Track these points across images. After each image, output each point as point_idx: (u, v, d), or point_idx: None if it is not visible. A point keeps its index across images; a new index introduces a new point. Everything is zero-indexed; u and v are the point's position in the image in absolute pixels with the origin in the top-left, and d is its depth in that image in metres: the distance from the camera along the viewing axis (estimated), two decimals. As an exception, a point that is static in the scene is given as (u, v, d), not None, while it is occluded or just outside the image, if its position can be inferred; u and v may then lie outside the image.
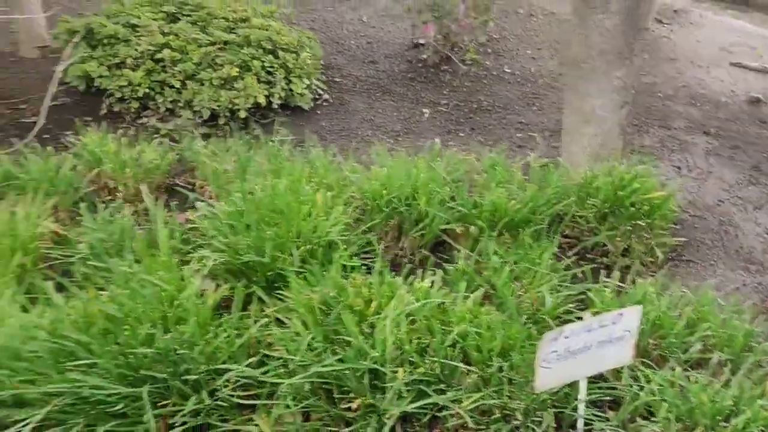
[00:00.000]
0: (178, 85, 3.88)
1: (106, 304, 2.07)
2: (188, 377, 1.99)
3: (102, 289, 2.21)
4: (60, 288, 2.29)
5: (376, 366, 1.99)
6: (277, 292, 2.36)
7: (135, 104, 3.90)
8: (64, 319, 2.05)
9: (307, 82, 4.26)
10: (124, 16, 4.15)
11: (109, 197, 2.96)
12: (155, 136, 3.52)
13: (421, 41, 5.23)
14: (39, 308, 2.14)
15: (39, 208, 2.59)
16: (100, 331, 2.03)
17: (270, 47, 4.15)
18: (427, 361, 2.05)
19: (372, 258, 2.59)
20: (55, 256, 2.50)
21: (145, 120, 3.87)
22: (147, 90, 3.87)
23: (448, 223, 2.85)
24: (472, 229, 2.75)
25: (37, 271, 2.42)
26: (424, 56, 5.06)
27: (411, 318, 2.14)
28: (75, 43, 3.78)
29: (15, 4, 4.35)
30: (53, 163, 2.95)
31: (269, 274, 2.40)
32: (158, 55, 3.91)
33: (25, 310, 2.15)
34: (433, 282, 2.33)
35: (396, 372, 1.98)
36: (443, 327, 2.12)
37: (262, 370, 2.03)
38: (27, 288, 2.29)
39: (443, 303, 2.22)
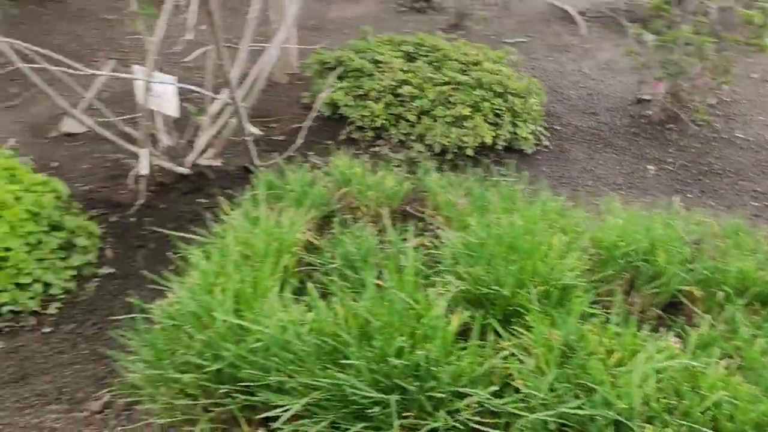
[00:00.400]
0: (413, 119, 4.12)
1: (363, 311, 2.24)
2: (432, 394, 2.08)
3: (353, 299, 2.39)
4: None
5: (620, 418, 1.96)
6: (513, 327, 2.40)
7: (371, 133, 4.19)
8: (324, 320, 2.24)
9: (532, 127, 4.32)
10: (369, 52, 4.51)
11: (352, 216, 3.20)
12: (394, 165, 3.75)
13: (646, 97, 5.11)
14: (299, 306, 2.36)
15: (301, 217, 2.86)
16: (356, 335, 2.19)
17: (500, 91, 4.27)
18: (673, 422, 1.98)
19: (603, 308, 2.56)
20: (309, 262, 2.75)
21: (377, 149, 4.15)
22: (384, 121, 4.15)
23: (685, 284, 2.74)
24: (719, 294, 2.62)
25: (295, 274, 2.67)
26: (649, 112, 4.93)
27: (657, 376, 2.09)
28: (335, 75, 4.15)
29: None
30: (308, 179, 3.25)
31: (508, 308, 2.45)
32: (398, 91, 4.19)
33: (288, 307, 2.38)
34: (683, 342, 2.25)
35: (644, 428, 1.93)
36: (693, 390, 2.04)
37: (502, 401, 2.08)
38: (287, 287, 2.53)
39: (693, 366, 2.14)
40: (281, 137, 4.23)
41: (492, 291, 2.47)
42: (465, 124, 4.08)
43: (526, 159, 4.26)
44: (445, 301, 2.37)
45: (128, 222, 3.36)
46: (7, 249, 2.72)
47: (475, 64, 4.52)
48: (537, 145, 4.41)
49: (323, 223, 3.12)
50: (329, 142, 4.22)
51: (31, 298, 2.74)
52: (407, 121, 4.14)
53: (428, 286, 2.51)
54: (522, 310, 2.42)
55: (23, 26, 5.89)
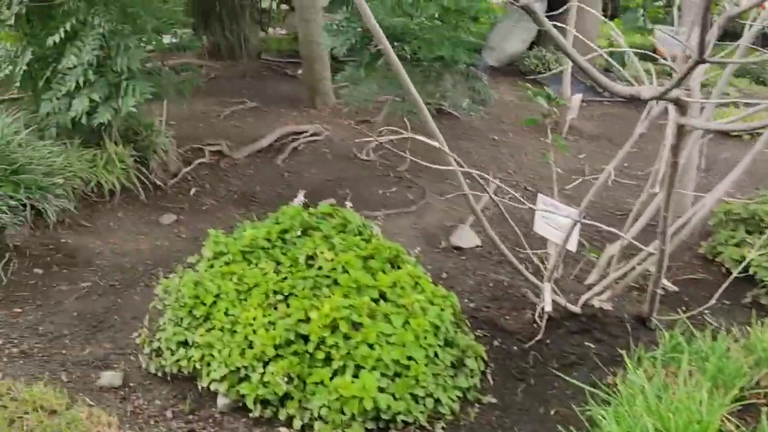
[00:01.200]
0: None
1: None
2: None
3: None
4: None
5: None
6: None
7: (786, 302, 3.59)
8: None
9: None
10: (790, 208, 3.94)
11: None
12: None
13: None
14: None
15: (719, 397, 2.45)
16: None
17: None
18: None
19: None
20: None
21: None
22: (807, 292, 3.52)
23: None
24: None
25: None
26: None
27: None
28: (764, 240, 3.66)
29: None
30: (722, 349, 2.82)
31: None
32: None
33: None
34: None
35: None
36: None
37: None
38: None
39: None
40: (672, 288, 3.85)
41: None
42: None
43: None
44: None
45: (511, 350, 3.29)
46: (410, 358, 2.82)
47: None
48: None
49: (739, 407, 2.65)
50: (728, 302, 3.72)
51: (422, 412, 2.77)
52: (839, 296, 3.45)
53: None
54: None
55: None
